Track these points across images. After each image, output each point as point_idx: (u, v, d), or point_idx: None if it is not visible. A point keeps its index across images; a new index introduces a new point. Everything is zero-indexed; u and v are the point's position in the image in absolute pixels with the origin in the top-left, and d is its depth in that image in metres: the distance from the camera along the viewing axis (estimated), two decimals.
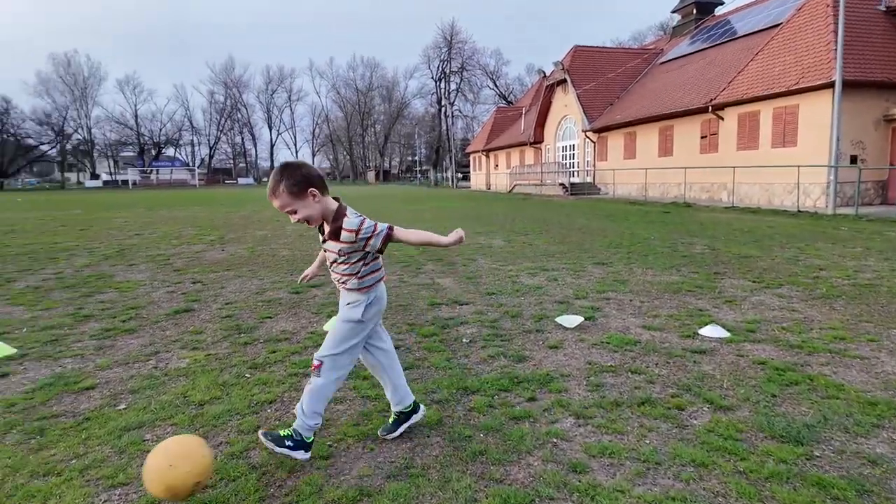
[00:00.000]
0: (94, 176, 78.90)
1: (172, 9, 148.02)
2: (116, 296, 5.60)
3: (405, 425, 2.47)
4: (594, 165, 29.20)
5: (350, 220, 2.14)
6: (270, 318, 4.65)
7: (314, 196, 2.11)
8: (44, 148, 75.90)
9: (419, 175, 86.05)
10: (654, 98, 25.05)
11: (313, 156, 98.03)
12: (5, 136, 69.62)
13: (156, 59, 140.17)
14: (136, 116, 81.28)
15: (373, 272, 2.29)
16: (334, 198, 2.20)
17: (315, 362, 2.29)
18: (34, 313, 4.90)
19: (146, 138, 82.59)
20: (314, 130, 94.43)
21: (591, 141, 29.05)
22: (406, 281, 6.10)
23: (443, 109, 70.82)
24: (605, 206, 19.06)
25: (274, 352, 3.71)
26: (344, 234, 2.15)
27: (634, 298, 5.10)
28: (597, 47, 32.95)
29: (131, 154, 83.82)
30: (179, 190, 54.76)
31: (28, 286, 6.13)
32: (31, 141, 73.29)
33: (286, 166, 2.13)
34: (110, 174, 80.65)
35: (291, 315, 4.73)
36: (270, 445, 2.19)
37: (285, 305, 5.08)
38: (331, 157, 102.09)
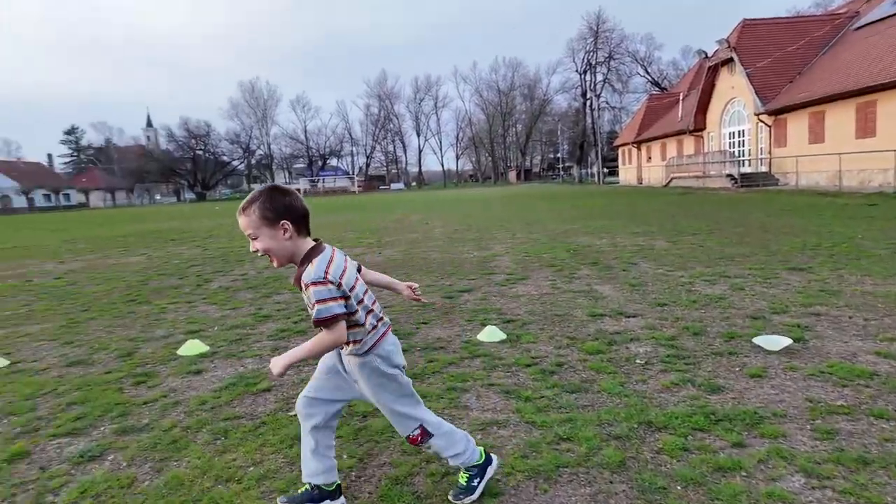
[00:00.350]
0: None
1: (335, 33, 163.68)
2: (290, 297, 6.05)
3: None
4: (770, 152, 25.58)
5: (308, 272, 1.76)
6: (426, 323, 4.61)
7: (285, 230, 1.79)
8: (235, 163, 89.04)
9: (561, 172, 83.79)
10: (849, 70, 21.10)
11: (457, 159, 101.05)
12: (207, 154, 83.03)
13: (321, 80, 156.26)
14: (306, 132, 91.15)
15: (373, 327, 1.91)
16: (315, 239, 1.88)
17: (413, 436, 2.00)
18: (224, 312, 5.47)
19: (313, 151, 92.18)
20: (458, 134, 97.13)
21: (766, 125, 25.48)
22: (559, 287, 5.71)
23: (588, 102, 68.09)
24: (787, 199, 16.48)
25: (431, 361, 3.61)
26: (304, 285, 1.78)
27: (855, 315, 4.11)
28: (770, 19, 28.82)
29: (302, 165, 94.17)
30: (341, 196, 60.09)
31: (220, 286, 6.94)
32: (225, 158, 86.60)
33: (272, 189, 1.84)
34: (286, 184, 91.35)
35: (446, 321, 4.64)
36: (470, 499, 2.03)
37: (439, 311, 5.02)
38: (473, 159, 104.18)
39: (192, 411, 3.02)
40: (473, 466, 2.07)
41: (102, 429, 2.87)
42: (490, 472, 2.10)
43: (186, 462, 2.46)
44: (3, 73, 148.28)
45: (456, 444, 2.05)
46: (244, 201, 1.82)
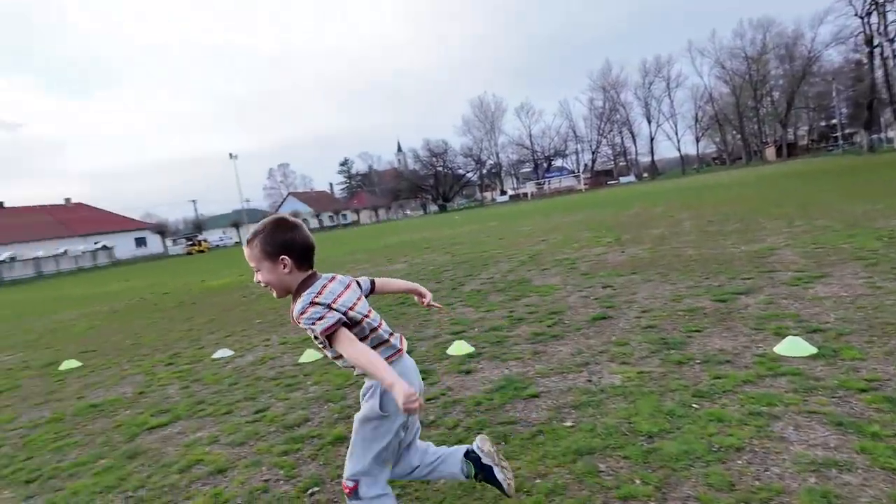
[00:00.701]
0: (503, 192, 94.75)
1: (555, 33, 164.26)
2: (537, 300, 6.05)
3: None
4: None
5: (297, 306, 1.75)
6: (699, 331, 4.04)
7: (285, 265, 1.80)
8: (469, 175, 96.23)
9: (841, 142, 67.97)
10: None
11: (697, 142, 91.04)
12: (446, 170, 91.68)
13: (543, 83, 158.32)
14: (530, 137, 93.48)
15: (378, 347, 1.85)
16: (313, 272, 1.87)
17: (347, 484, 1.87)
18: (479, 314, 5.74)
19: (538, 154, 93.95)
20: (696, 114, 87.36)
21: None
22: (881, 286, 4.45)
23: (877, 50, 54.09)
24: None
25: (718, 377, 3.10)
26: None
27: None
28: None
29: (528, 170, 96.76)
30: (567, 196, 59.62)
31: (472, 289, 7.36)
32: (461, 171, 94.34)
33: (276, 223, 1.83)
34: (514, 189, 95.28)
35: (724, 329, 4.00)
36: None
37: (712, 317, 4.37)
38: (717, 139, 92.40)
39: (470, 411, 3.15)
40: None
41: None
42: None
43: None
44: (298, 122, 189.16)
45: None
46: (250, 232, 1.87)
